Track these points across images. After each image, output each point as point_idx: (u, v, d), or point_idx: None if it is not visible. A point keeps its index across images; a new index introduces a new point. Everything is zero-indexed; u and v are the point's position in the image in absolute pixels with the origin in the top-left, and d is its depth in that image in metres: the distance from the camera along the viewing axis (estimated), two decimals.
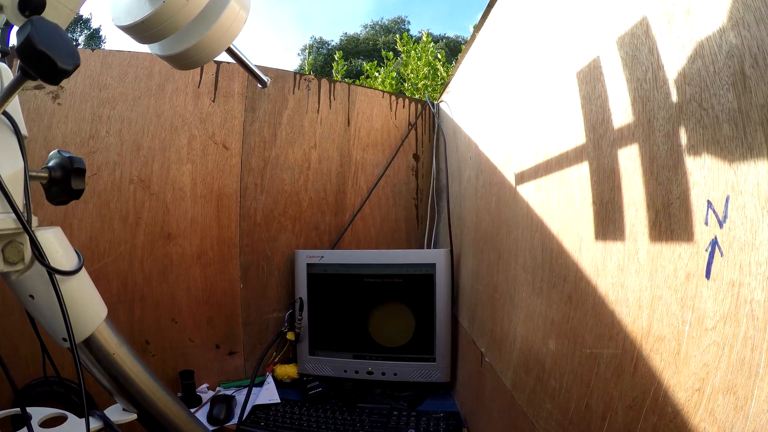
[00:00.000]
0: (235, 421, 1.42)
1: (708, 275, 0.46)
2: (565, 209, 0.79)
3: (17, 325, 1.30)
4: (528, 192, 0.96)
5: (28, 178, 0.61)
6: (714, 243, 0.46)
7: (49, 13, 0.60)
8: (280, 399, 1.52)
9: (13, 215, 0.57)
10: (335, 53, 4.87)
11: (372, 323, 1.61)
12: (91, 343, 0.72)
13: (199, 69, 1.61)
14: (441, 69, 4.28)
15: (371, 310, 1.61)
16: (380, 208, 1.88)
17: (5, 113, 0.61)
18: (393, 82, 4.41)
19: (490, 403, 1.17)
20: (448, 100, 1.81)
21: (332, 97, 1.82)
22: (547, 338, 0.84)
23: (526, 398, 0.93)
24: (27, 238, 0.60)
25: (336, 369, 1.62)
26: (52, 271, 0.61)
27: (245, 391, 1.54)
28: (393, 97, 1.93)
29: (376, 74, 4.52)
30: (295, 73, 1.78)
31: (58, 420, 0.78)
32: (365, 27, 27.96)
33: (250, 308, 1.70)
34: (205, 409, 1.49)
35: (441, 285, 1.53)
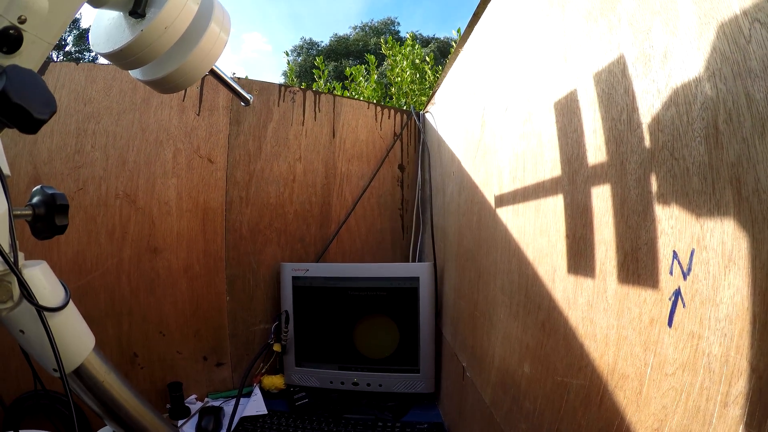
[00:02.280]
0: None
1: (670, 323, 0.48)
2: (541, 238, 0.80)
3: (7, 338, 1.30)
4: (506, 215, 0.97)
5: (12, 218, 0.61)
6: (677, 293, 0.47)
7: (27, 48, 0.60)
8: (267, 410, 1.53)
9: (0, 257, 0.57)
10: (317, 58, 4.86)
11: (357, 335, 1.62)
12: (81, 372, 0.74)
13: None
14: (429, 72, 4.28)
15: (356, 323, 1.62)
16: (365, 219, 1.89)
17: None
18: (378, 87, 4.41)
19: (471, 416, 1.19)
20: (433, 111, 1.81)
21: (317, 109, 1.83)
22: (523, 361, 0.86)
23: (504, 416, 0.95)
24: (14, 279, 0.61)
25: (322, 380, 1.63)
26: (40, 309, 0.62)
27: (233, 401, 1.54)
28: (378, 108, 1.93)
29: (361, 79, 4.52)
30: (279, 86, 1.78)
31: None
32: (355, 28, 27.87)
33: (237, 320, 1.70)
34: (194, 420, 1.49)
35: (425, 298, 1.54)
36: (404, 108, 1.98)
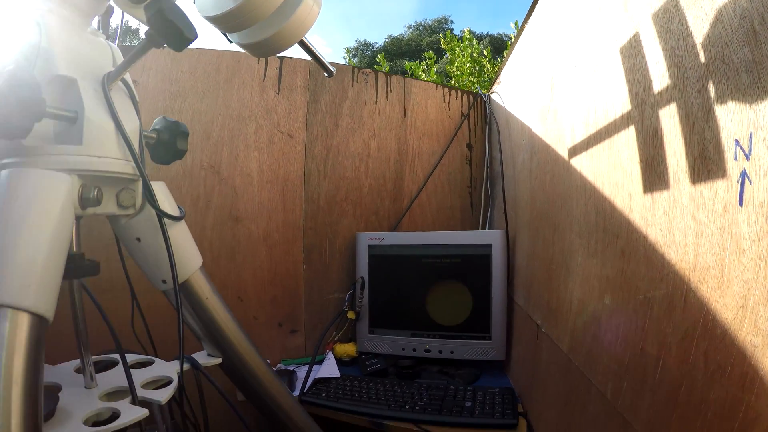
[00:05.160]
0: (296, 393, 1.54)
1: (741, 202, 0.57)
2: (615, 172, 0.90)
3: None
4: (580, 163, 1.07)
5: (142, 135, 0.72)
6: (743, 174, 0.56)
7: None
8: (340, 374, 1.65)
9: (133, 163, 0.67)
10: (378, 55, 5.03)
11: (430, 302, 1.74)
12: (187, 287, 0.81)
13: (263, 63, 1.77)
14: (487, 65, 4.39)
15: (429, 290, 1.74)
16: (436, 195, 2.02)
17: (123, 80, 0.71)
18: (438, 79, 4.53)
19: (546, 374, 1.28)
20: (499, 91, 1.93)
21: (389, 90, 1.97)
22: (603, 295, 0.95)
23: (583, 358, 1.03)
24: (139, 186, 0.71)
25: (394, 347, 1.75)
26: (161, 214, 0.72)
27: (305, 368, 1.66)
28: (446, 90, 2.06)
29: (421, 73, 4.65)
30: (353, 67, 1.94)
31: (146, 364, 0.87)
32: (409, 28, 28.23)
33: (313, 289, 1.85)
34: None
35: (497, 265, 1.65)
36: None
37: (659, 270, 0.75)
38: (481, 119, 2.09)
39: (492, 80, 2.05)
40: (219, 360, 0.90)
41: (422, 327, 1.73)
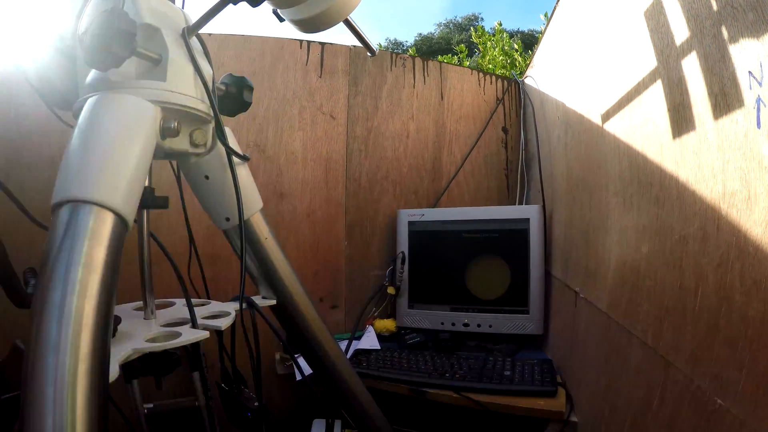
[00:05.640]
0: None
1: (758, 125, 0.62)
2: (646, 126, 0.96)
3: None
4: (614, 125, 1.14)
5: (214, 83, 0.79)
6: (758, 100, 0.62)
7: None
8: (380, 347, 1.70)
9: (208, 103, 0.74)
10: (409, 50, 5.09)
11: (469, 277, 1.79)
12: (248, 226, 0.85)
13: (305, 49, 1.86)
14: (519, 58, 4.44)
15: (468, 265, 1.80)
16: (474, 176, 2.08)
17: (197, 35, 0.77)
18: None
19: (584, 340, 1.32)
20: (533, 75, 2.00)
21: (426, 74, 2.04)
22: (640, 244, 1.00)
23: (623, 311, 1.07)
24: (210, 127, 0.77)
25: (433, 321, 1.81)
26: (230, 152, 0.78)
27: (344, 344, 1.70)
28: (481, 74, 2.13)
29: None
30: (391, 53, 2.02)
31: (203, 305, 0.90)
32: (439, 26, 28.33)
33: (354, 265, 1.93)
34: None
35: (534, 238, 1.70)
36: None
37: (691, 207, 0.80)
38: (516, 104, 2.14)
39: (524, 72, 2.12)
40: (273, 301, 0.94)
41: (461, 301, 1.79)
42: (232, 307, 0.88)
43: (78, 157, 0.55)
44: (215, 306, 0.90)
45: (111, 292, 0.51)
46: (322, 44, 1.89)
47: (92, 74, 0.65)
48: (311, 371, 1.09)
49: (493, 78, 2.14)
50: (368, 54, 1.00)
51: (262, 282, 0.94)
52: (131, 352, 0.64)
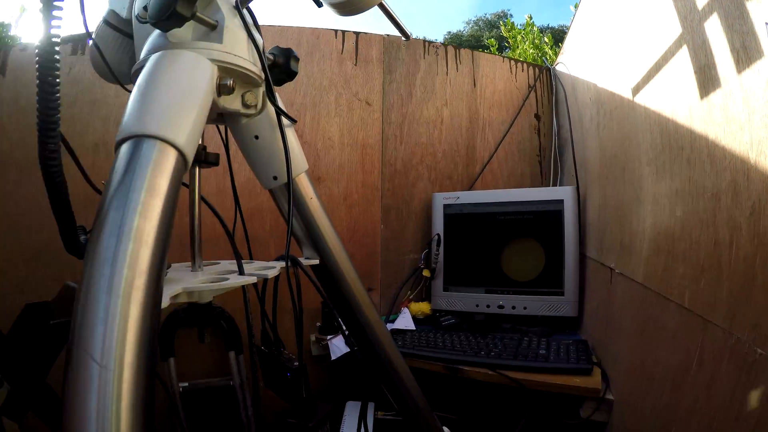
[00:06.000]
0: None
1: None
2: (675, 91, 1.00)
3: None
4: (644, 96, 1.17)
5: (264, 50, 0.82)
6: None
7: None
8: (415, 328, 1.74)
9: (260, 66, 0.78)
10: None
11: (504, 259, 1.82)
12: (294, 185, 0.88)
13: (341, 38, 1.92)
14: (549, 52, 4.44)
15: (503, 246, 1.82)
16: (507, 162, 2.11)
17: (248, 8, 0.80)
18: None
19: (619, 316, 1.33)
20: (563, 60, 2.04)
21: (458, 62, 2.08)
22: (674, 208, 1.02)
23: (659, 278, 1.09)
24: (261, 90, 0.81)
25: (468, 304, 1.84)
26: (280, 112, 0.81)
27: None
28: (512, 62, 2.17)
29: None
30: (423, 41, 2.06)
31: (248, 263, 0.92)
32: (468, 23, 28.24)
33: (389, 248, 1.98)
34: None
35: (569, 220, 1.72)
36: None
37: (721, 162, 0.83)
38: (548, 90, 2.17)
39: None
40: (317, 261, 0.97)
41: (496, 283, 1.82)
42: (277, 265, 0.92)
43: (141, 101, 0.59)
44: (259, 263, 0.93)
45: (170, 216, 0.53)
46: (357, 33, 1.95)
47: (151, 39, 0.70)
48: (346, 350, 1.10)
49: (525, 65, 2.17)
50: (403, 39, 1.04)
51: (306, 242, 0.97)
52: (181, 291, 0.68)
